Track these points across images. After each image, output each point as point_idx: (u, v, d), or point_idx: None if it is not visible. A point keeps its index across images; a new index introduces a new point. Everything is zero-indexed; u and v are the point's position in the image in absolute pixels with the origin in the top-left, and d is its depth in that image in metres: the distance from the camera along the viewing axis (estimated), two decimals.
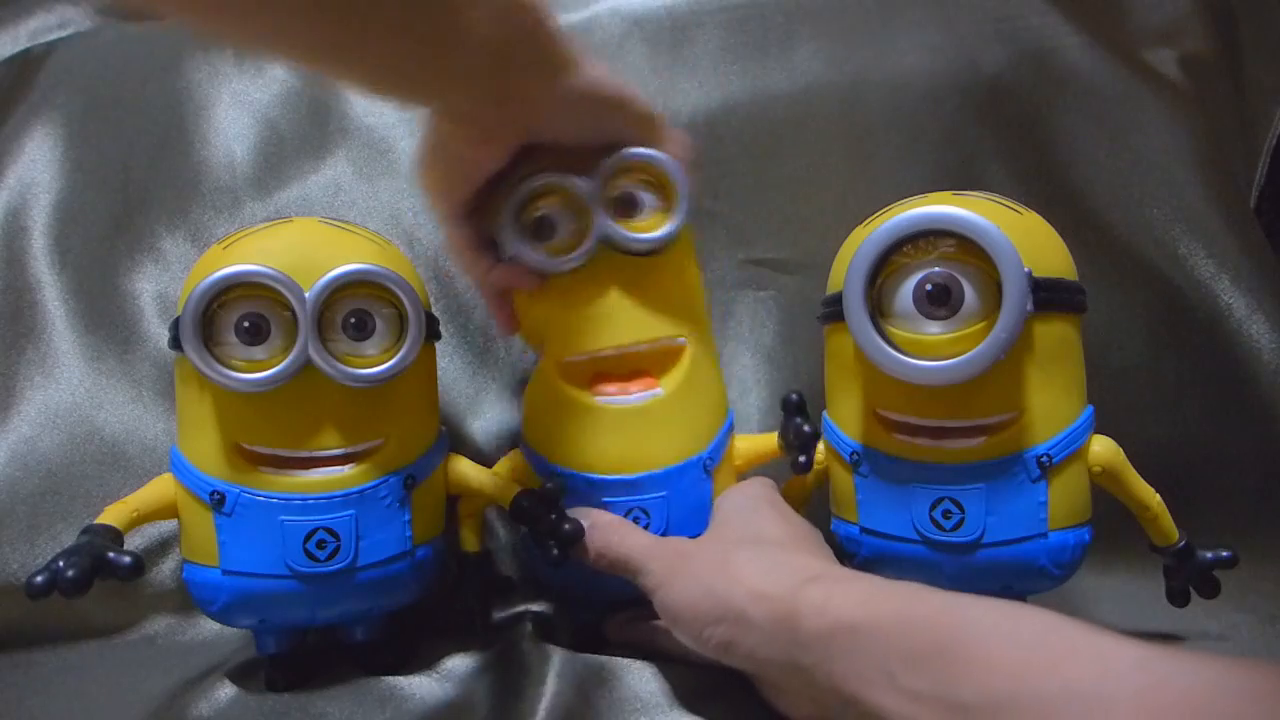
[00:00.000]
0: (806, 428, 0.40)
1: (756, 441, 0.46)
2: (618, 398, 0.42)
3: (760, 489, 0.42)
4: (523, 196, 0.41)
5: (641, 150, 0.41)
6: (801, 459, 0.40)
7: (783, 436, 0.42)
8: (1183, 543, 0.40)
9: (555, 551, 0.39)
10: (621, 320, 0.42)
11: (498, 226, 0.41)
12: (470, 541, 0.44)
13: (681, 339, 0.43)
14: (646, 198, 0.42)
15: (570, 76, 0.37)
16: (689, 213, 0.42)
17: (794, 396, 0.42)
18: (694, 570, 0.36)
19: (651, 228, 0.42)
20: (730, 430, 0.45)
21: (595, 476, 0.42)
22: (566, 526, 0.39)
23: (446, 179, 0.40)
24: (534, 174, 0.41)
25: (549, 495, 0.40)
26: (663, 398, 0.42)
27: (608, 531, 0.40)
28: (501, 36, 0.33)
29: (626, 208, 0.42)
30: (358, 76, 0.35)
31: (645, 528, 0.42)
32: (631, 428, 0.42)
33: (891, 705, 0.26)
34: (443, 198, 0.41)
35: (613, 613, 0.44)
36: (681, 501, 0.42)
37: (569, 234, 0.42)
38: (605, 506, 0.42)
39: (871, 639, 0.28)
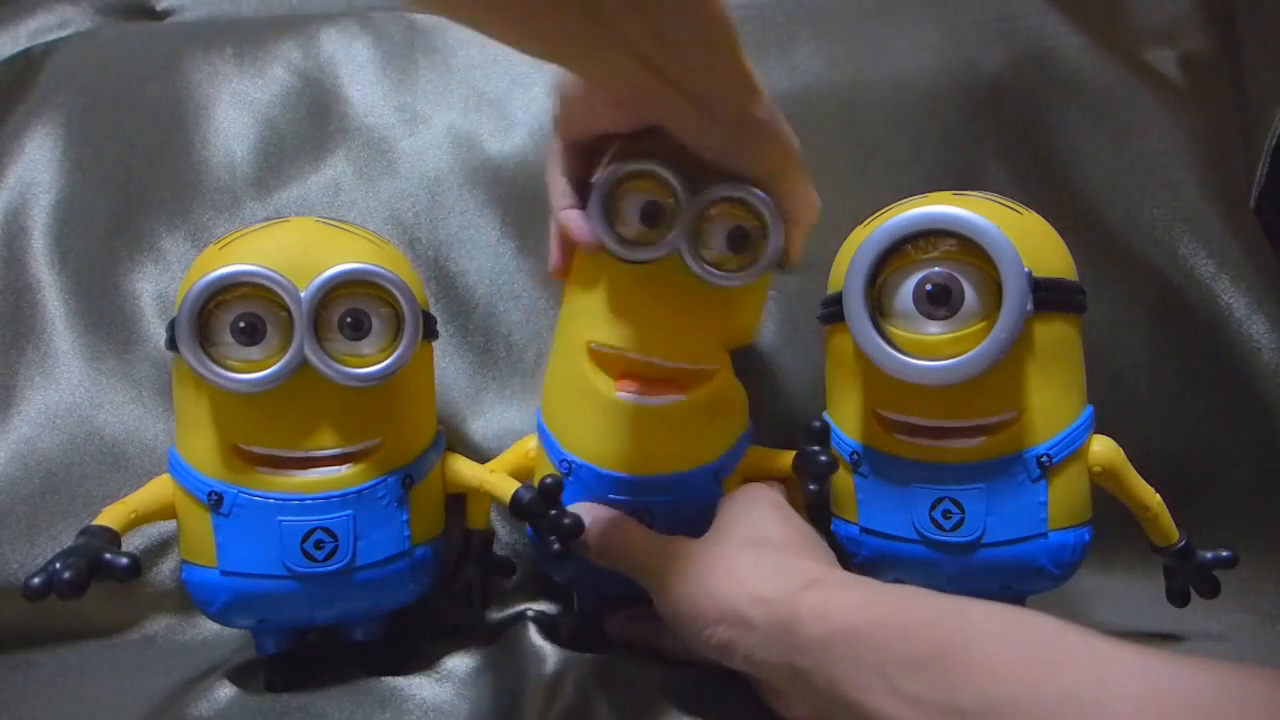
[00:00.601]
0: (824, 458, 0.39)
1: (774, 458, 0.44)
2: (640, 397, 0.41)
3: (764, 491, 0.42)
4: (626, 171, 0.38)
5: (752, 191, 0.38)
6: (812, 488, 0.39)
7: (799, 462, 0.41)
8: (1183, 543, 0.40)
9: (555, 546, 0.39)
10: (664, 335, 0.41)
11: (595, 179, 0.39)
12: (477, 519, 0.44)
13: (715, 366, 0.42)
14: (739, 236, 0.39)
15: (726, 103, 0.34)
16: (774, 262, 0.39)
17: (816, 424, 0.41)
18: (695, 570, 0.36)
19: (731, 264, 0.40)
20: (748, 442, 0.44)
21: (605, 470, 0.41)
22: (566, 521, 0.39)
23: (574, 112, 0.38)
24: (649, 156, 0.38)
25: (548, 490, 0.40)
26: (685, 404, 0.41)
27: (610, 528, 0.40)
28: (664, 36, 0.31)
29: (715, 237, 0.39)
30: (515, 40, 0.33)
31: (649, 528, 0.42)
32: (649, 428, 0.41)
33: (890, 710, 0.26)
34: (564, 123, 0.39)
35: (614, 609, 0.44)
36: (688, 507, 0.42)
37: (650, 229, 0.39)
38: (609, 502, 0.41)
39: (870, 644, 0.28)
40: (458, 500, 0.44)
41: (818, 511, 0.40)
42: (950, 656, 0.26)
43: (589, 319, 0.41)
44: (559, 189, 0.40)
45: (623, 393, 0.41)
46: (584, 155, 0.40)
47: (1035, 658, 0.25)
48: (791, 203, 0.39)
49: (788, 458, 0.43)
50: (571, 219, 0.39)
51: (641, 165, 0.38)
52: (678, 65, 0.32)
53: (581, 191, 0.40)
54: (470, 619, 0.45)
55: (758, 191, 0.38)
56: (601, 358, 0.41)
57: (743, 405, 0.44)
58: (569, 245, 0.42)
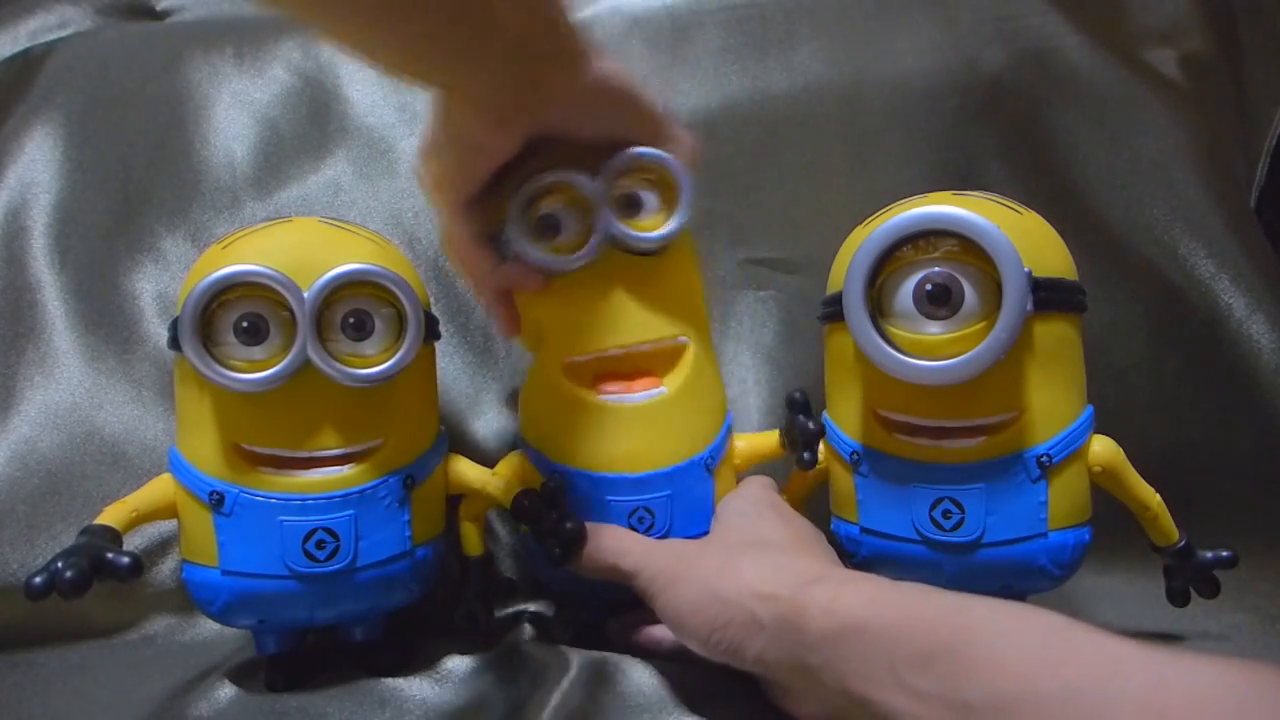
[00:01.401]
0: (810, 424, 0.40)
1: (755, 440, 0.46)
2: (623, 396, 0.42)
3: (761, 491, 0.42)
4: (529, 194, 0.41)
5: (646, 150, 0.41)
6: (806, 454, 0.40)
7: (786, 434, 0.42)
8: (1183, 543, 0.40)
9: (557, 551, 0.39)
10: (626, 320, 0.42)
11: (503, 225, 0.41)
12: (473, 545, 0.44)
13: (684, 338, 0.43)
14: (649, 197, 0.42)
15: (586, 70, 0.37)
16: (690, 212, 0.42)
17: (798, 394, 0.42)
18: (697, 574, 0.35)
19: (654, 227, 0.42)
20: (730, 430, 0.45)
21: (600, 475, 0.41)
22: (568, 525, 0.39)
23: (456, 167, 0.40)
24: (540, 172, 0.40)
25: (550, 494, 0.40)
26: (667, 396, 0.42)
27: (603, 538, 0.40)
28: (524, 25, 0.34)
29: (630, 207, 0.42)
30: (382, 54, 0.35)
31: (649, 527, 0.42)
32: (636, 426, 0.42)
33: (898, 705, 0.27)
34: (449, 188, 0.41)
35: (614, 614, 0.44)
36: (684, 500, 0.42)
37: (574, 233, 0.42)
38: (609, 505, 0.42)
39: (878, 639, 0.28)
40: (454, 525, 0.44)
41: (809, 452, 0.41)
42: (957, 652, 0.26)
43: (555, 342, 0.43)
44: (477, 255, 0.42)
45: (605, 395, 0.42)
46: (476, 215, 0.42)
47: (1041, 653, 0.25)
48: (679, 147, 0.42)
49: (772, 438, 0.44)
50: (512, 272, 0.42)
51: (540, 180, 0.40)
52: (546, 41, 0.35)
53: (492, 248, 0.42)
54: (475, 637, 0.45)
55: (650, 150, 0.41)
56: (577, 369, 0.42)
57: (721, 392, 0.45)
58: (506, 300, 0.44)
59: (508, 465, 0.45)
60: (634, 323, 0.42)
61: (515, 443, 0.46)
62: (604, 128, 0.40)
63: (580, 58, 0.37)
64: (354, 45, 0.34)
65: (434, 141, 0.39)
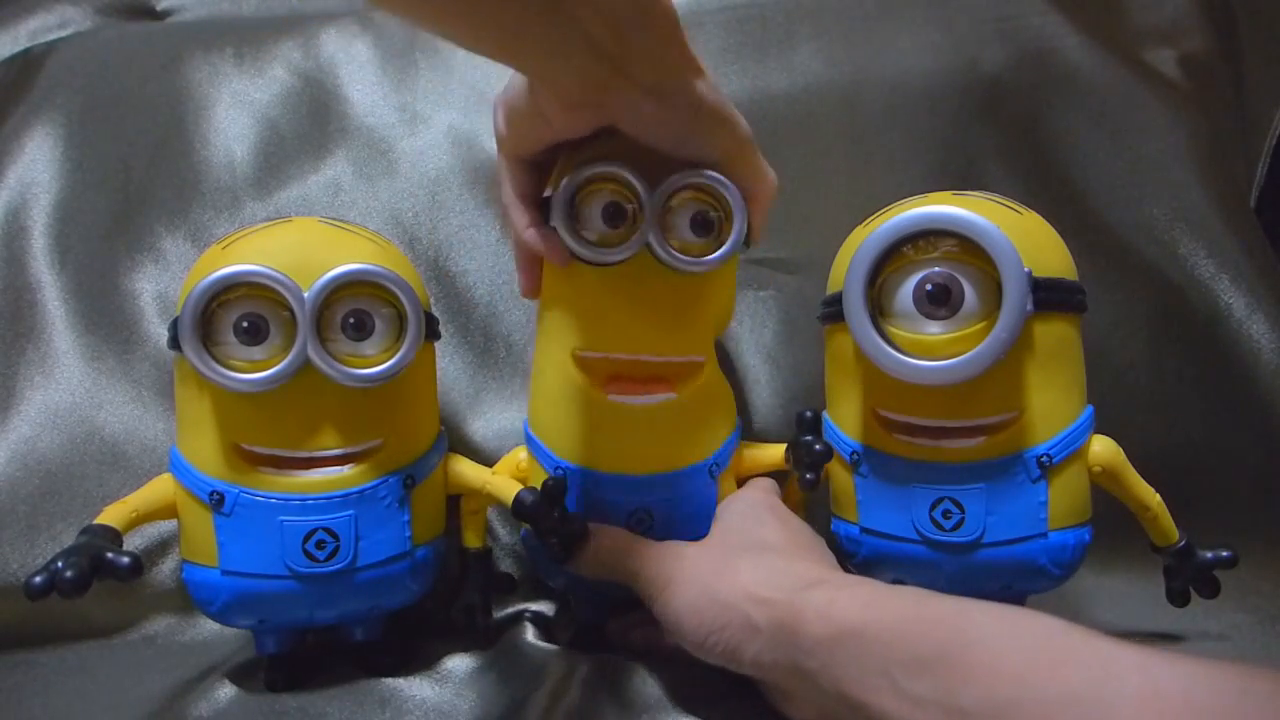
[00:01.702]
0: (818, 446, 0.39)
1: (764, 451, 0.45)
2: (631, 397, 0.41)
3: (761, 494, 0.42)
4: (586, 177, 0.39)
5: (712, 175, 0.38)
6: (808, 476, 0.39)
7: (792, 451, 0.41)
8: (1183, 543, 0.40)
9: (558, 550, 0.39)
10: (646, 331, 0.41)
11: (553, 193, 0.39)
12: (473, 538, 0.44)
13: (700, 358, 0.42)
14: (703, 220, 0.40)
15: (677, 89, 0.35)
16: (739, 244, 0.39)
17: (808, 414, 0.42)
18: (696, 576, 0.35)
19: (700, 251, 0.40)
20: (738, 439, 0.45)
21: (601, 473, 0.41)
22: (570, 525, 0.39)
23: (522, 127, 0.38)
24: (605, 158, 0.38)
25: (552, 492, 0.40)
26: (675, 402, 0.41)
27: (604, 541, 0.40)
28: (609, 35, 0.32)
29: (692, 226, 0.40)
30: (469, 45, 0.33)
31: (647, 529, 0.42)
32: (642, 428, 0.41)
33: (894, 710, 0.27)
34: (511, 141, 0.39)
35: (614, 613, 0.44)
36: (685, 505, 0.42)
37: (619, 229, 0.39)
38: (609, 504, 0.41)
39: (874, 644, 0.28)
40: (455, 520, 0.44)
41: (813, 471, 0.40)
42: (953, 657, 0.26)
43: (569, 328, 0.41)
44: (517, 210, 0.40)
45: (614, 395, 0.41)
46: (532, 172, 0.40)
47: (1038, 658, 0.25)
48: (749, 182, 0.39)
49: (779, 450, 0.44)
50: (536, 237, 0.40)
51: (599, 168, 0.38)
52: (631, 55, 0.33)
53: (537, 207, 0.40)
54: (473, 633, 0.45)
55: (715, 174, 0.38)
56: (588, 364, 0.41)
57: (730, 401, 0.45)
58: (536, 264, 0.42)
59: (507, 464, 0.45)
60: (653, 337, 0.41)
61: (516, 442, 0.46)
62: (681, 148, 0.37)
63: (673, 73, 0.35)
64: (440, 35, 0.34)
65: (512, 93, 0.38)
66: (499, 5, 0.30)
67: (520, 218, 0.40)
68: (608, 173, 0.38)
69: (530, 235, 0.40)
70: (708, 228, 0.40)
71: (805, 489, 0.39)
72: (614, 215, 0.39)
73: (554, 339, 0.42)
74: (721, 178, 0.38)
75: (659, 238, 0.39)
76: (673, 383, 0.41)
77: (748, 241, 0.41)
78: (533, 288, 0.43)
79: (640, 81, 0.34)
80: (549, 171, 0.41)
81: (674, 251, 0.39)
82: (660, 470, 0.42)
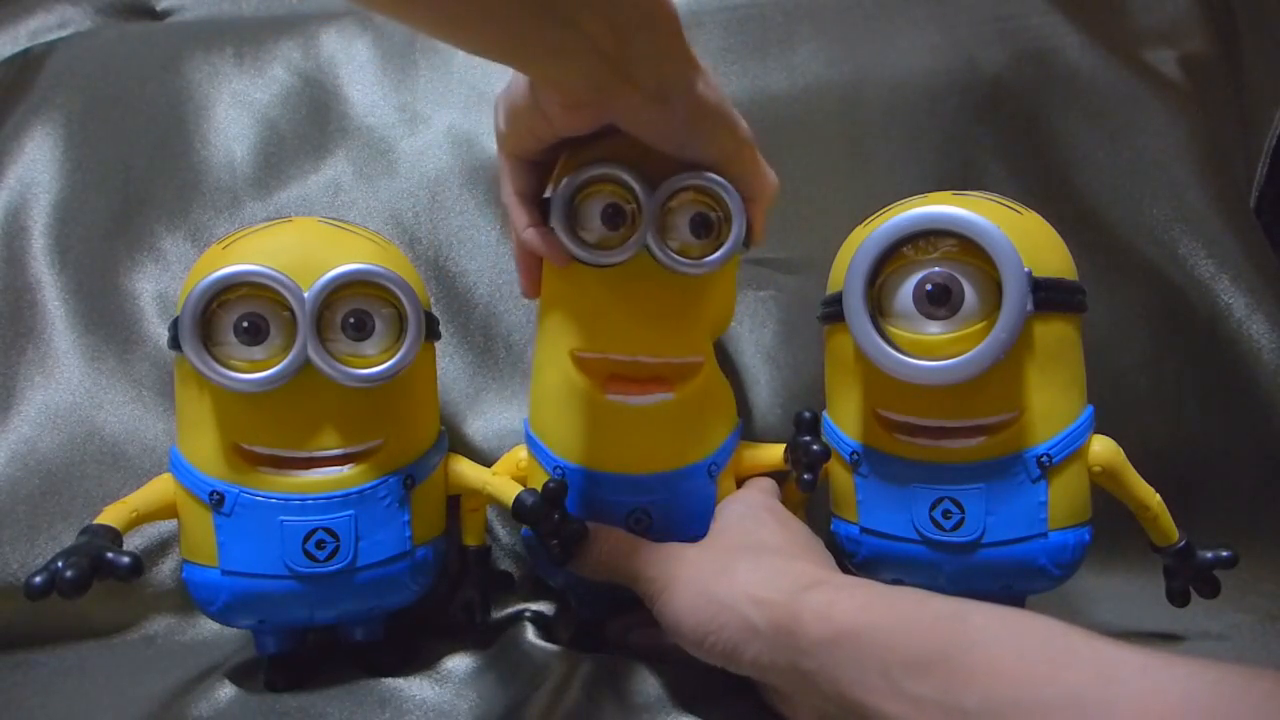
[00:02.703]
0: (816, 447, 0.39)
1: (763, 451, 0.45)
2: (629, 397, 0.41)
3: (760, 496, 0.42)
4: (585, 179, 0.39)
5: (710, 177, 0.38)
6: (807, 476, 0.39)
7: (791, 452, 0.41)
8: (1183, 543, 0.40)
9: (559, 551, 0.39)
10: (644, 332, 0.41)
11: (553, 192, 0.40)
12: (472, 536, 0.44)
13: (698, 358, 0.42)
14: (703, 222, 0.40)
15: (679, 90, 0.35)
16: (738, 246, 0.39)
17: (807, 414, 0.42)
18: (694, 577, 0.35)
19: (698, 253, 0.40)
20: (738, 439, 0.45)
21: (599, 473, 0.41)
22: (570, 526, 0.39)
23: (523, 124, 0.38)
24: (605, 160, 0.39)
25: (553, 494, 0.40)
26: (673, 401, 0.41)
27: (603, 542, 0.40)
28: (611, 39, 0.32)
29: (691, 229, 0.40)
30: (473, 48, 0.33)
31: (646, 528, 0.42)
32: (640, 428, 0.41)
33: (894, 711, 0.27)
34: (513, 139, 0.39)
35: (614, 613, 0.44)
36: (684, 504, 0.42)
37: (619, 231, 0.40)
38: (607, 503, 0.41)
39: (874, 645, 0.28)
40: (454, 518, 0.44)
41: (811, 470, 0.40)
42: (953, 658, 0.26)
43: (568, 328, 0.41)
44: (516, 209, 0.40)
45: (613, 395, 0.41)
46: (533, 171, 0.40)
47: (1037, 659, 0.25)
48: (749, 182, 0.39)
49: (778, 450, 0.44)
50: (535, 237, 0.40)
51: (598, 170, 0.38)
52: (633, 57, 0.32)
53: (537, 206, 0.40)
54: (471, 630, 0.45)
55: (714, 176, 0.38)
56: (586, 364, 0.41)
57: (730, 401, 0.45)
58: (536, 264, 0.42)
59: (507, 464, 0.45)
60: (651, 337, 0.41)
61: (516, 442, 0.46)
62: (683, 149, 0.37)
63: (675, 76, 0.35)
64: (440, 38, 0.34)
65: (513, 92, 0.38)
66: (499, 8, 0.30)
67: (520, 217, 0.40)
68: (607, 174, 0.39)
69: (530, 235, 0.40)
70: (707, 229, 0.40)
71: (804, 490, 0.39)
72: (613, 217, 0.39)
73: (553, 339, 0.42)
74: (721, 180, 0.38)
75: (658, 239, 0.39)
76: (671, 383, 0.41)
77: (748, 243, 0.41)
78: (533, 288, 0.43)
79: (641, 83, 0.34)
80: (549, 171, 0.41)
81: (673, 253, 0.39)
82: (658, 470, 0.42)
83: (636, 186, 0.38)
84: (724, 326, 0.45)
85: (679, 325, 0.41)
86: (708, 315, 0.43)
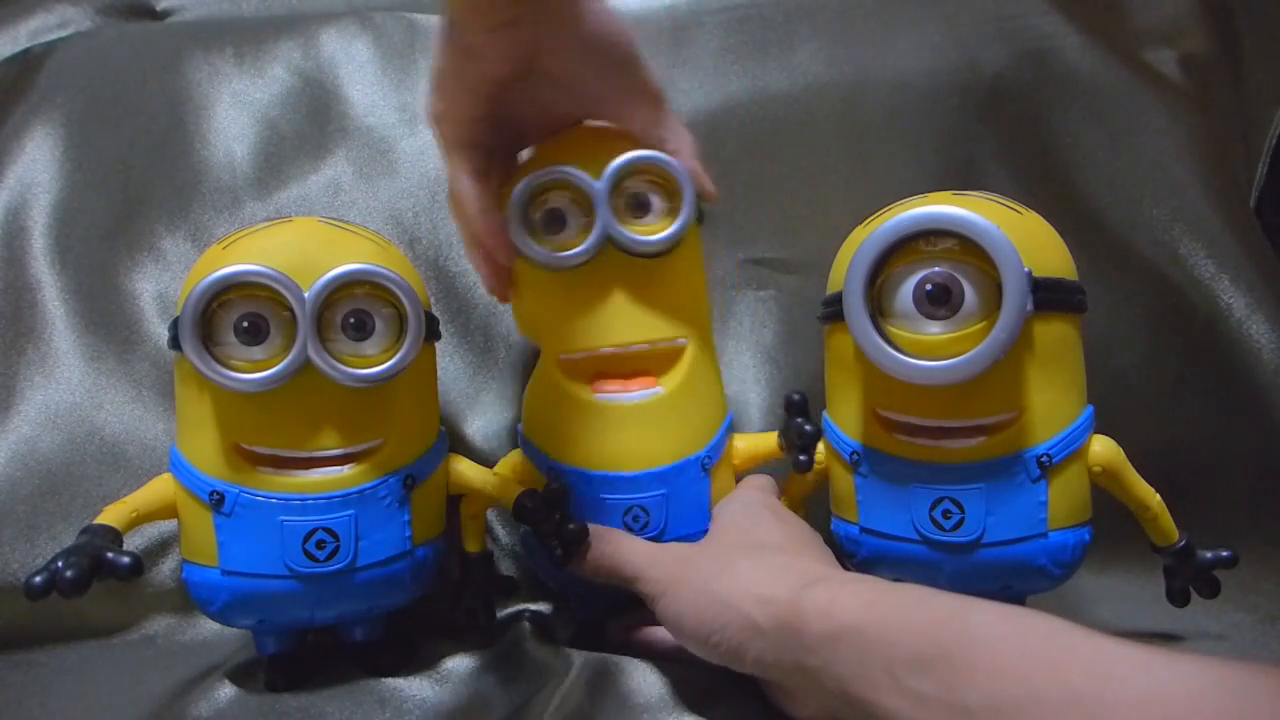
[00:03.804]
0: (808, 427, 0.39)
1: (755, 441, 0.46)
2: (618, 395, 0.42)
3: (759, 494, 0.42)
4: (531, 188, 0.41)
5: (650, 153, 0.41)
6: (802, 458, 0.40)
7: (784, 436, 0.42)
8: (1183, 543, 0.40)
9: (559, 552, 0.39)
10: (623, 320, 0.42)
11: (506, 216, 0.41)
12: (473, 542, 0.44)
13: (682, 340, 0.43)
14: (655, 200, 0.42)
15: (591, 8, 0.38)
16: (693, 215, 0.42)
17: (796, 396, 0.42)
18: (696, 577, 0.35)
19: (657, 230, 0.42)
20: (729, 430, 0.45)
21: (594, 473, 0.42)
22: (570, 527, 0.39)
23: (456, 77, 0.39)
24: (545, 167, 0.41)
25: (553, 495, 0.40)
26: (662, 396, 0.42)
27: (604, 541, 0.40)
28: None
29: (635, 209, 0.42)
30: None
31: (644, 525, 0.42)
32: (631, 425, 0.42)
33: (896, 707, 0.27)
34: (450, 106, 0.40)
35: (614, 613, 0.44)
36: (680, 500, 0.42)
37: (575, 231, 0.42)
38: (603, 503, 0.42)
39: (876, 641, 0.28)
40: (454, 525, 0.44)
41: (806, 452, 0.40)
42: (956, 656, 0.26)
43: (550, 335, 0.43)
44: (471, 193, 0.41)
45: (601, 394, 0.42)
46: (477, 151, 0.41)
47: (1040, 658, 0.25)
48: (660, 128, 0.41)
49: (772, 438, 0.44)
50: (490, 222, 0.41)
51: (543, 177, 0.41)
52: None
53: (491, 191, 0.41)
54: (476, 635, 0.45)
55: (655, 153, 0.41)
56: (572, 366, 0.42)
57: (720, 392, 0.45)
58: (489, 257, 0.43)
59: (507, 465, 0.45)
60: (630, 323, 0.42)
61: (517, 442, 0.46)
62: (600, 77, 0.40)
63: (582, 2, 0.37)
64: None
65: (438, 70, 0.39)
66: None
67: (474, 201, 0.41)
68: (550, 179, 0.41)
69: (484, 219, 0.41)
70: (656, 207, 0.42)
71: (800, 471, 0.40)
72: (563, 217, 0.42)
73: (542, 353, 0.43)
74: (661, 155, 0.41)
75: (616, 227, 0.41)
76: (657, 372, 0.42)
77: (701, 213, 0.43)
78: (497, 282, 0.43)
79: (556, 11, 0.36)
80: (492, 156, 0.42)
81: (636, 235, 0.41)
82: (652, 466, 0.42)
83: (580, 180, 0.41)
84: (703, 306, 0.45)
85: (654, 308, 0.42)
86: (681, 295, 0.44)
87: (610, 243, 0.41)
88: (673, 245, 0.42)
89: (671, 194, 0.42)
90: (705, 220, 0.45)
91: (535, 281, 0.43)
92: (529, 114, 0.42)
